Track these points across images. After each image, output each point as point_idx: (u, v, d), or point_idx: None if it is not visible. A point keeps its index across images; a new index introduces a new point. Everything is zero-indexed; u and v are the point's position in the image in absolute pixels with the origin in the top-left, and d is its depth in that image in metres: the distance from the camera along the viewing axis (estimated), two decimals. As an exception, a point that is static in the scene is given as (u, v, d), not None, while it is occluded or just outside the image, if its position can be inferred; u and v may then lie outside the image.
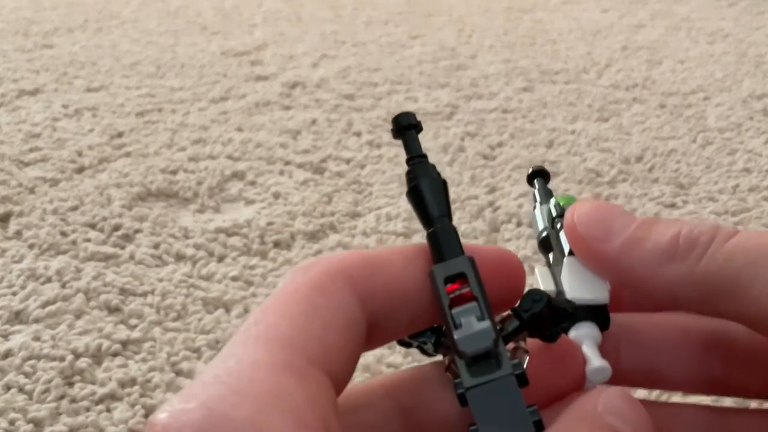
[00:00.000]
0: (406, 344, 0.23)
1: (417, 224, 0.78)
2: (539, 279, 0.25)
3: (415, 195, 0.24)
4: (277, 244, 0.74)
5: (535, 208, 0.27)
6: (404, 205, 0.81)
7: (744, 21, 1.61)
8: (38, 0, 1.66)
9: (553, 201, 0.27)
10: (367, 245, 0.74)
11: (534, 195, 0.28)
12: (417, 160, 0.24)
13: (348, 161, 0.92)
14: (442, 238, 0.22)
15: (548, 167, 0.91)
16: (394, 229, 0.77)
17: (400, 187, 0.86)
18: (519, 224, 0.78)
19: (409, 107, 1.09)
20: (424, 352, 0.23)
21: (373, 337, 0.21)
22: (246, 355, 0.18)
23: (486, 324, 0.20)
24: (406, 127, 0.25)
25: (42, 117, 1.04)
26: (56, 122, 1.02)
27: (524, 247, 0.74)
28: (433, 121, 1.05)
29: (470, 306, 0.21)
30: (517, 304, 0.23)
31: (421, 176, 0.24)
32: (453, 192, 0.84)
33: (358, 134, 1.00)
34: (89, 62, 1.27)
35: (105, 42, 1.40)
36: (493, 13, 1.66)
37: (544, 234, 0.26)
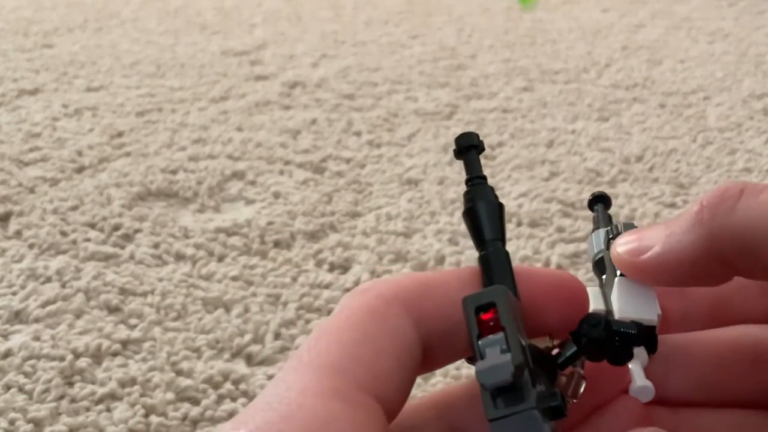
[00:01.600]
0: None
1: (417, 224, 0.78)
2: (590, 299, 0.24)
3: (470, 216, 0.24)
4: (277, 244, 0.74)
5: (593, 231, 0.27)
6: (404, 205, 0.82)
7: (744, 21, 1.61)
8: (38, 0, 1.66)
9: (611, 225, 0.26)
10: (367, 245, 0.74)
11: (594, 219, 0.27)
12: (476, 181, 0.24)
13: (348, 161, 0.92)
14: (493, 262, 0.23)
15: (548, 167, 0.91)
16: (394, 229, 0.77)
17: (399, 187, 0.86)
18: (519, 224, 0.78)
19: (409, 107, 1.09)
20: None
21: (430, 360, 0.22)
22: (295, 382, 0.19)
23: (507, 357, 0.20)
24: (467, 148, 0.25)
25: (42, 116, 1.04)
26: (56, 122, 1.02)
27: (524, 247, 0.74)
28: (433, 120, 1.05)
29: (497, 337, 0.21)
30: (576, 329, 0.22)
31: (479, 198, 0.24)
32: (453, 192, 0.84)
33: (358, 134, 1.00)
34: (89, 62, 1.27)
35: (105, 42, 1.40)
36: (493, 13, 1.66)
37: (600, 256, 0.26)
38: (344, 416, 0.18)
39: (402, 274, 0.22)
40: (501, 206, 0.24)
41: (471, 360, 0.22)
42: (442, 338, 0.21)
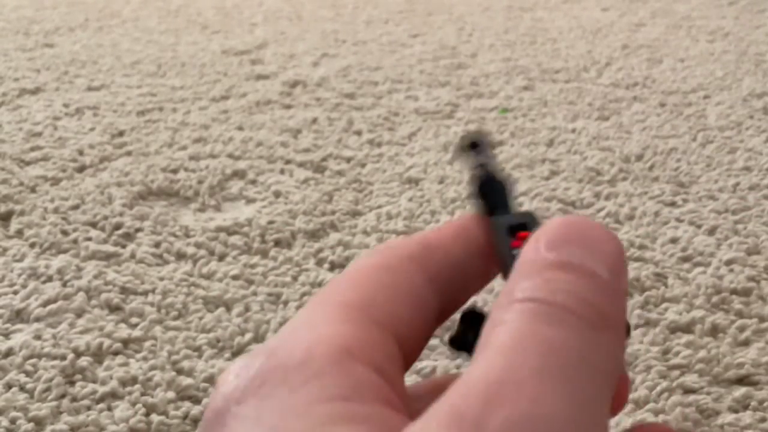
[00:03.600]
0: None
1: (418, 223, 0.78)
2: None
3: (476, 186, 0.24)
4: (277, 243, 0.74)
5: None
6: (405, 204, 0.82)
7: (744, 19, 1.61)
8: (39, -1, 1.66)
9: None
10: (368, 244, 0.74)
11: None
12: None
13: (348, 160, 0.92)
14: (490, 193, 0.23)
15: (548, 166, 0.91)
16: (394, 228, 0.77)
17: (400, 186, 0.86)
18: (519, 223, 0.78)
19: (409, 106, 1.09)
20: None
21: (446, 312, 0.22)
22: (307, 315, 0.19)
23: None
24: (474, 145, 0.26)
25: (43, 116, 1.04)
26: (57, 121, 1.02)
27: (524, 246, 0.74)
28: (433, 119, 1.05)
29: None
30: None
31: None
32: (453, 191, 0.84)
33: (359, 133, 1.00)
34: (90, 61, 1.28)
35: (106, 41, 1.40)
36: (494, 12, 1.66)
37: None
38: (353, 334, 0.18)
39: (404, 237, 0.22)
40: (504, 182, 0.24)
41: (452, 343, 0.23)
42: (448, 295, 0.22)
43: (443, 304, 0.21)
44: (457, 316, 0.23)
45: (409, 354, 0.20)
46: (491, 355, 0.17)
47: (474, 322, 0.21)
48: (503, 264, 0.21)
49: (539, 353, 0.16)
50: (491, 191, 0.23)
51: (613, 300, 0.18)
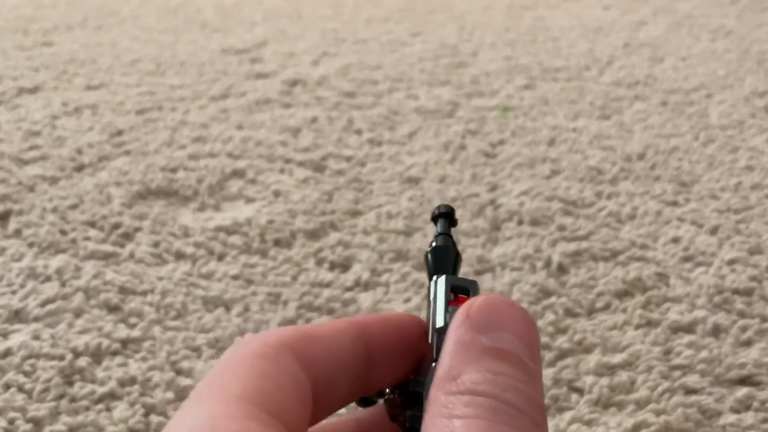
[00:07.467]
0: (367, 402, 0.24)
1: (417, 222, 0.78)
2: None
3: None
4: (277, 243, 0.74)
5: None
6: (405, 203, 0.81)
7: (746, 18, 1.60)
8: (38, -2, 1.66)
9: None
10: (368, 243, 0.74)
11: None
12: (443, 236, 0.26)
13: (348, 159, 0.92)
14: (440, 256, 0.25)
15: (549, 165, 0.91)
16: (395, 227, 0.77)
17: (400, 185, 0.86)
18: (520, 222, 0.78)
19: (410, 105, 1.09)
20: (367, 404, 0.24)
21: (316, 409, 0.22)
22: (202, 411, 0.18)
23: None
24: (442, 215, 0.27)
25: (42, 115, 1.03)
26: (56, 120, 1.02)
27: (525, 246, 0.74)
28: (434, 119, 1.04)
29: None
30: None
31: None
32: (454, 190, 0.84)
33: (359, 132, 1.00)
34: (89, 60, 1.27)
35: (105, 40, 1.39)
36: (495, 11, 1.66)
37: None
38: None
39: (280, 327, 0.22)
40: (458, 255, 0.25)
41: (361, 402, 0.23)
42: (326, 385, 0.21)
43: (317, 397, 0.21)
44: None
45: None
46: None
47: (412, 397, 0.21)
48: (434, 316, 0.22)
49: None
50: (444, 257, 0.24)
51: (540, 390, 0.19)
